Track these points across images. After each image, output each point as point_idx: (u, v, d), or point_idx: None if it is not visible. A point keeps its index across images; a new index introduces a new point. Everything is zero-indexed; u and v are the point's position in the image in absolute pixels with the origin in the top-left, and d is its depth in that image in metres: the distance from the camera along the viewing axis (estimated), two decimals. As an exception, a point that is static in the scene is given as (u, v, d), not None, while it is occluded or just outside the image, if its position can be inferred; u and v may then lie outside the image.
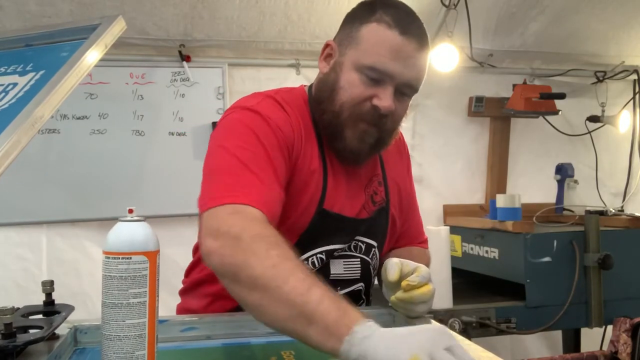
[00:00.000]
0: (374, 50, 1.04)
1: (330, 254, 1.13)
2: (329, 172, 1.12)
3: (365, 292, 1.21)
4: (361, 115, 1.07)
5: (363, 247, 1.19)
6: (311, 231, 1.10)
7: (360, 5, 1.12)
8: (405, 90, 1.08)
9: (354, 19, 1.10)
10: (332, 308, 0.72)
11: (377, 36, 1.05)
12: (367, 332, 0.68)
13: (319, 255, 1.12)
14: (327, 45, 1.14)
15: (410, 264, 1.05)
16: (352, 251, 1.17)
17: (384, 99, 1.05)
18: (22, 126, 0.87)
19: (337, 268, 1.15)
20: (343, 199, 1.14)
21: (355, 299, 1.19)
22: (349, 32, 1.10)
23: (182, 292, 1.27)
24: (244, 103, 1.11)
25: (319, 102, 1.12)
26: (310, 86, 1.20)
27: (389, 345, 0.66)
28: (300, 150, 1.08)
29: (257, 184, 0.96)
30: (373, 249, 1.20)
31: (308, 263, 1.11)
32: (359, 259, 1.18)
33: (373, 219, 1.19)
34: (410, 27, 1.05)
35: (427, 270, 1.04)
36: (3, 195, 2.30)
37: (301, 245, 1.10)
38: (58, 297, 0.97)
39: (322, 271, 1.13)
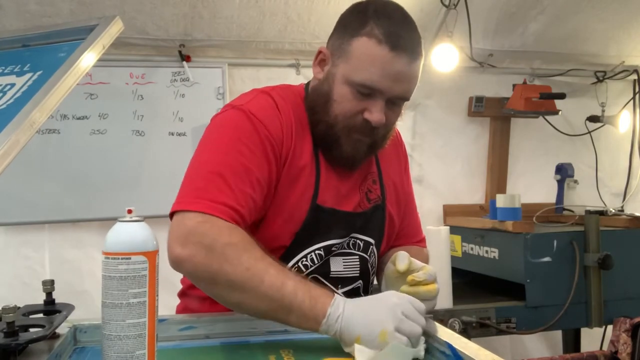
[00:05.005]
0: (364, 67, 1.05)
1: (328, 250, 1.14)
2: (322, 169, 1.13)
3: (363, 290, 1.21)
4: (355, 128, 1.10)
5: (361, 244, 1.19)
6: (307, 227, 1.11)
7: (352, 11, 1.12)
8: (396, 101, 1.10)
9: (346, 28, 1.10)
10: (305, 297, 0.89)
11: (367, 52, 1.05)
12: (338, 311, 0.88)
13: (317, 252, 1.13)
14: (319, 52, 1.15)
15: (417, 263, 1.08)
16: (350, 248, 1.18)
17: (375, 113, 1.07)
18: (21, 127, 0.87)
19: (337, 266, 1.16)
20: (336, 195, 1.15)
21: (355, 296, 1.19)
22: (340, 42, 1.10)
23: (181, 294, 1.27)
24: (237, 101, 1.14)
25: (313, 111, 1.14)
26: (308, 84, 1.21)
27: (362, 319, 0.86)
28: (290, 148, 1.10)
29: (226, 189, 0.99)
30: (371, 247, 1.21)
31: (307, 260, 1.12)
32: (357, 257, 1.19)
33: (368, 215, 1.20)
34: (401, 40, 1.04)
35: (434, 270, 1.06)
36: (4, 196, 2.31)
37: (299, 242, 1.11)
38: (61, 296, 0.98)
39: (323, 269, 1.14)
